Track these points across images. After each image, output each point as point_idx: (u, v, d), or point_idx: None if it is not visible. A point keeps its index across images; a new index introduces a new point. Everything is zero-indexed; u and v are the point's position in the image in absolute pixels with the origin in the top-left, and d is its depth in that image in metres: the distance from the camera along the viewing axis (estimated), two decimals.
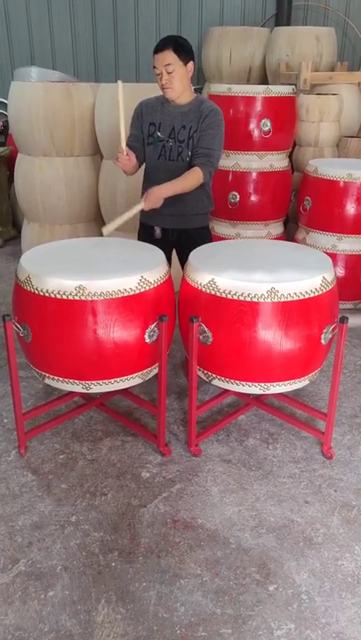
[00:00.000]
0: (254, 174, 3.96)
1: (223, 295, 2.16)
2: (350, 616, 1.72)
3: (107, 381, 2.24)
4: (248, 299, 2.12)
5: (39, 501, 2.16)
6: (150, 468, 2.36)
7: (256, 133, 3.85)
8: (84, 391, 2.27)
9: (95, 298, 2.08)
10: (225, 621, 1.70)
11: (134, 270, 2.18)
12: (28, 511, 2.11)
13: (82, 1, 6.21)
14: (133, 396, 2.67)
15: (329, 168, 3.67)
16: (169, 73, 2.47)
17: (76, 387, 2.26)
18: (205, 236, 2.83)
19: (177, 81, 2.50)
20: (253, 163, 3.92)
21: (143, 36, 6.33)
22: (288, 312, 2.14)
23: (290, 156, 4.36)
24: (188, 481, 2.28)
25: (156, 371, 2.37)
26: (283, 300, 2.12)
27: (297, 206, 4.02)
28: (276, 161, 3.99)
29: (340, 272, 3.82)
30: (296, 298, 2.13)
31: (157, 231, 2.78)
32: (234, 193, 3.99)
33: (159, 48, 2.46)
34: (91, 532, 2.02)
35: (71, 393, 2.65)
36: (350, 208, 3.67)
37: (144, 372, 2.32)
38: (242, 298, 2.13)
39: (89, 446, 2.48)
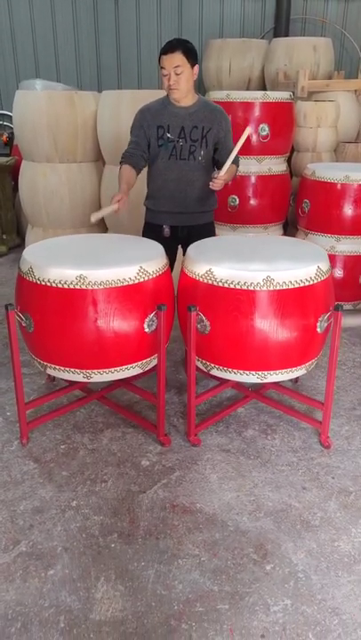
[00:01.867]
0: (253, 178, 4.04)
1: (220, 284, 2.21)
2: (346, 593, 1.74)
3: (107, 370, 2.29)
4: (244, 287, 2.17)
5: (40, 487, 2.20)
6: (150, 456, 2.39)
7: (255, 138, 3.93)
8: (85, 380, 2.32)
9: (95, 287, 2.14)
10: (222, 598, 1.73)
11: (133, 261, 2.24)
12: (29, 496, 2.15)
13: (85, 15, 6.38)
14: (134, 387, 2.71)
15: (327, 171, 3.74)
16: (177, 74, 2.55)
17: (77, 376, 2.30)
18: (211, 231, 2.94)
19: (184, 82, 2.58)
20: (252, 167, 4.00)
21: (145, 48, 6.49)
22: (284, 300, 2.19)
23: (288, 162, 4.44)
24: (188, 469, 2.31)
25: (155, 362, 2.41)
26: (278, 288, 2.17)
27: (296, 209, 4.09)
28: (274, 165, 4.07)
29: (339, 273, 3.86)
30: (291, 286, 2.18)
31: (166, 229, 2.84)
32: (233, 196, 4.06)
33: (168, 50, 2.53)
34: (91, 515, 2.05)
35: (72, 385, 2.70)
36: (348, 210, 3.72)
37: (144, 362, 2.37)
38: (238, 287, 2.18)
39: (90, 437, 2.52)
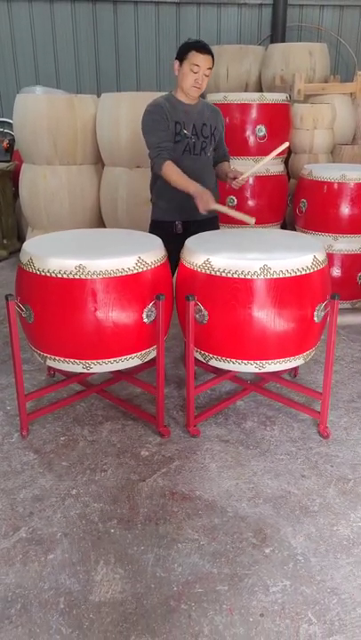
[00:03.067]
0: (251, 179, 4.08)
1: (218, 274, 2.23)
2: (345, 574, 1.75)
3: (106, 361, 2.31)
4: (242, 276, 2.20)
5: (40, 477, 2.21)
6: (150, 447, 2.40)
7: (252, 139, 3.99)
8: (85, 371, 2.34)
9: (94, 277, 2.17)
10: (221, 579, 1.73)
11: (132, 251, 2.27)
12: (29, 485, 2.16)
13: (84, 24, 6.48)
14: (133, 379, 2.73)
15: (323, 171, 3.79)
16: (206, 76, 2.63)
17: (77, 366, 2.32)
18: (217, 224, 3.03)
19: (205, 84, 2.68)
20: (250, 167, 4.03)
21: (143, 56, 6.58)
22: (281, 289, 2.21)
23: (286, 163, 4.49)
24: (187, 458, 2.32)
25: (154, 353, 2.43)
26: (275, 276, 2.19)
27: (293, 209, 4.13)
28: (272, 166, 4.12)
29: (337, 272, 3.89)
30: (288, 275, 2.21)
31: (179, 226, 2.86)
32: (231, 197, 4.09)
33: (204, 50, 2.59)
34: (90, 503, 2.06)
35: (73, 378, 2.72)
36: (345, 208, 3.76)
37: (143, 352, 2.39)
38: (236, 276, 2.20)
39: (90, 429, 2.53)
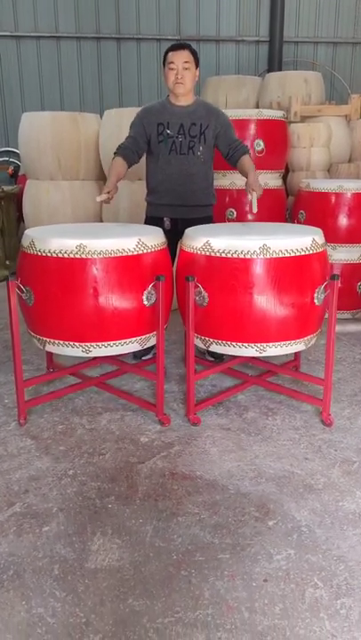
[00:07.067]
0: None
1: (218, 255, 2.25)
2: (352, 543, 1.68)
3: (106, 344, 2.29)
4: (241, 256, 2.21)
5: (37, 460, 2.15)
6: (149, 434, 2.35)
7: (250, 153, 4.08)
8: (84, 355, 2.32)
9: (95, 256, 2.18)
10: (223, 549, 1.66)
11: (132, 234, 2.30)
12: (25, 467, 2.10)
13: (89, 58, 6.76)
14: (132, 368, 2.70)
15: (321, 183, 3.87)
16: (185, 69, 2.72)
17: (76, 350, 2.30)
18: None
19: (188, 78, 2.75)
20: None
21: (145, 90, 6.83)
22: (280, 269, 2.22)
23: (283, 180, 4.59)
24: (187, 444, 2.27)
25: (154, 340, 2.42)
26: (275, 256, 2.20)
27: (292, 221, 4.18)
28: (270, 180, 4.20)
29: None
30: (288, 255, 2.22)
31: (167, 222, 2.91)
32: (231, 210, 4.16)
33: (178, 47, 2.74)
34: (88, 482, 2.00)
35: (72, 367, 2.70)
36: (342, 219, 3.82)
37: (143, 337, 2.37)
38: (235, 256, 2.22)
39: (88, 419, 2.49)
